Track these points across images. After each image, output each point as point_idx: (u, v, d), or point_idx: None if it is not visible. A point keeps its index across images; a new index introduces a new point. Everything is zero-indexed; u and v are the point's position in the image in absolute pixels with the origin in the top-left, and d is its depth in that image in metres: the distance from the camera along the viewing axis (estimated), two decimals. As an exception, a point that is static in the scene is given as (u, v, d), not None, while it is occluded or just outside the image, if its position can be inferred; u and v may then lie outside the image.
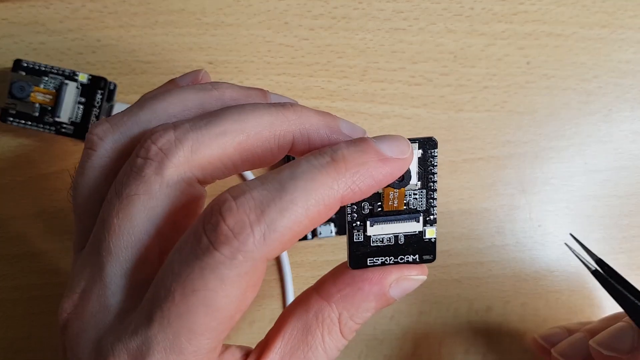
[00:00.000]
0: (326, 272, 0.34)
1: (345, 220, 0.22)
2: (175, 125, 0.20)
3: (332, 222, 0.33)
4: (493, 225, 0.35)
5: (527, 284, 0.35)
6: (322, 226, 0.33)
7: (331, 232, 0.33)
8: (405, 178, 0.21)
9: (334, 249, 0.34)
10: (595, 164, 0.35)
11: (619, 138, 0.35)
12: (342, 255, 0.34)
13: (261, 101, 0.23)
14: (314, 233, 0.33)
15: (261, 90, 0.23)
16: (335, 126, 0.21)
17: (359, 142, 0.20)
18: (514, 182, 0.35)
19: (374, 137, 0.20)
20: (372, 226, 0.22)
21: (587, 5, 0.35)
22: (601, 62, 0.35)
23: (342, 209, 0.33)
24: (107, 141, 0.22)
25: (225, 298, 0.18)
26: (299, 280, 0.34)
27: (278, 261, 0.34)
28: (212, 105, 0.22)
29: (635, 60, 0.35)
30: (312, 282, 0.34)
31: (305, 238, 0.34)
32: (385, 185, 0.20)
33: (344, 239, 0.34)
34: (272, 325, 0.35)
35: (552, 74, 0.35)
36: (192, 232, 0.19)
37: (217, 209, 0.18)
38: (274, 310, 0.34)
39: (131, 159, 0.20)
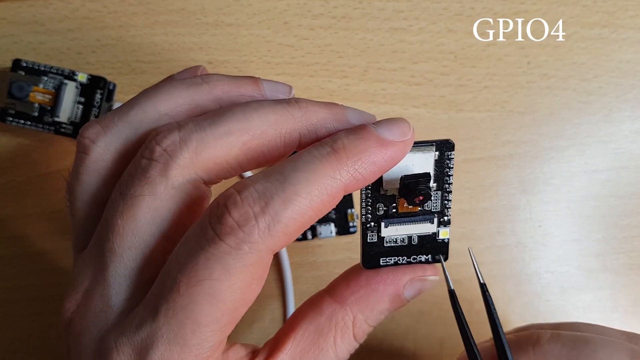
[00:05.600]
0: (326, 272, 0.35)
1: (360, 221, 0.22)
2: (179, 126, 0.20)
3: (332, 222, 0.33)
4: (493, 226, 0.35)
5: (528, 284, 0.35)
6: (322, 226, 0.33)
7: (331, 232, 0.33)
8: (425, 198, 0.21)
9: (334, 249, 0.34)
10: (596, 164, 0.35)
11: (619, 138, 0.35)
12: (342, 256, 0.34)
13: (253, 91, 0.23)
14: (314, 233, 0.33)
15: (253, 78, 0.23)
16: (343, 117, 0.21)
17: (359, 129, 0.20)
18: (514, 182, 0.35)
19: (374, 122, 0.20)
20: (387, 227, 0.22)
21: (588, 5, 0.35)
22: (601, 62, 0.35)
23: (343, 210, 0.34)
24: (100, 144, 0.21)
25: (230, 288, 0.18)
26: (299, 280, 0.34)
27: (278, 261, 0.34)
28: (204, 99, 0.22)
29: (636, 60, 0.35)
30: (312, 282, 0.35)
31: (305, 238, 0.34)
32: (388, 170, 0.20)
33: (344, 239, 0.34)
34: (271, 325, 0.35)
35: (553, 74, 0.35)
36: (199, 225, 0.19)
37: (223, 203, 0.18)
38: (274, 310, 0.34)
39: (136, 159, 0.20)
